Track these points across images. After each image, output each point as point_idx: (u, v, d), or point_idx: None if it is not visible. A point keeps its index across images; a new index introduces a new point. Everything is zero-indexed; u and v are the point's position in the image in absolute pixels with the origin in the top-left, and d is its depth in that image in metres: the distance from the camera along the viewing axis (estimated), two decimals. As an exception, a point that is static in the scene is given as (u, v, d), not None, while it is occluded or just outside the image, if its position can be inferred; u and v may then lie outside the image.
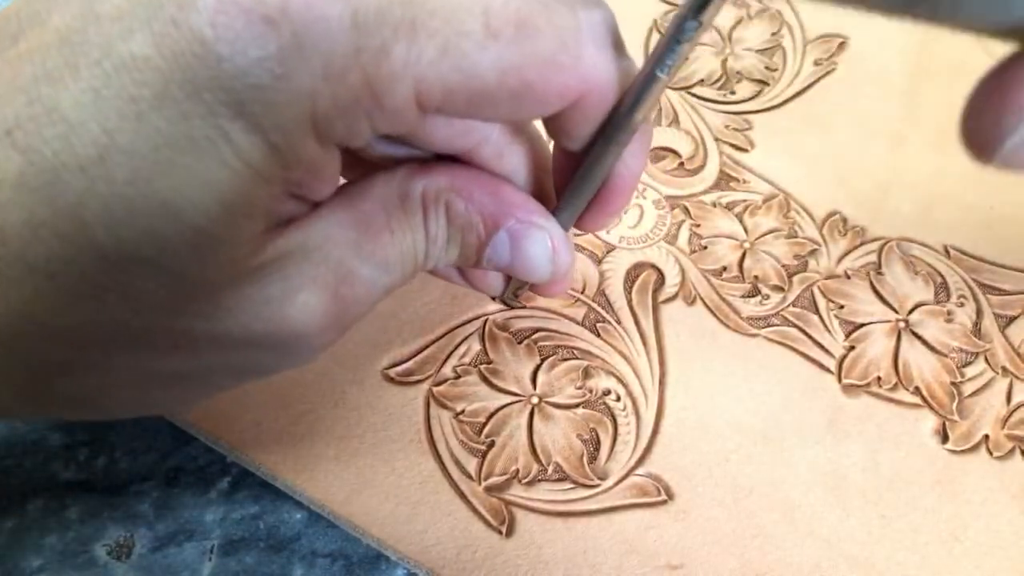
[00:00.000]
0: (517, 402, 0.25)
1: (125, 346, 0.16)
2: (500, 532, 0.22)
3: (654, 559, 0.22)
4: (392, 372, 0.25)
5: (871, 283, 0.27)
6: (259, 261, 0.16)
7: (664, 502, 0.23)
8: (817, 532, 0.22)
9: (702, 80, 0.32)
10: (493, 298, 0.27)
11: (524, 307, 0.26)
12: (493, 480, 0.23)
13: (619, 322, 0.26)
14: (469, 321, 0.26)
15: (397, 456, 0.23)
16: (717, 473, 0.23)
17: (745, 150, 0.30)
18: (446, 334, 0.26)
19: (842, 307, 0.26)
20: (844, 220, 0.28)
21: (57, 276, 0.15)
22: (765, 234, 0.28)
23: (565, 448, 0.24)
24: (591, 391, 0.25)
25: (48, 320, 0.15)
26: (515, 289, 0.25)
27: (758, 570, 0.22)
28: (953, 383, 0.25)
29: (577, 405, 0.25)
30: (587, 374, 0.25)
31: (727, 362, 0.25)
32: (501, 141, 0.20)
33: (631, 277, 0.28)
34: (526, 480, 0.23)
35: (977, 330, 0.26)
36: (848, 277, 0.27)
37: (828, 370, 0.25)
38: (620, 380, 0.25)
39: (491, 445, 0.24)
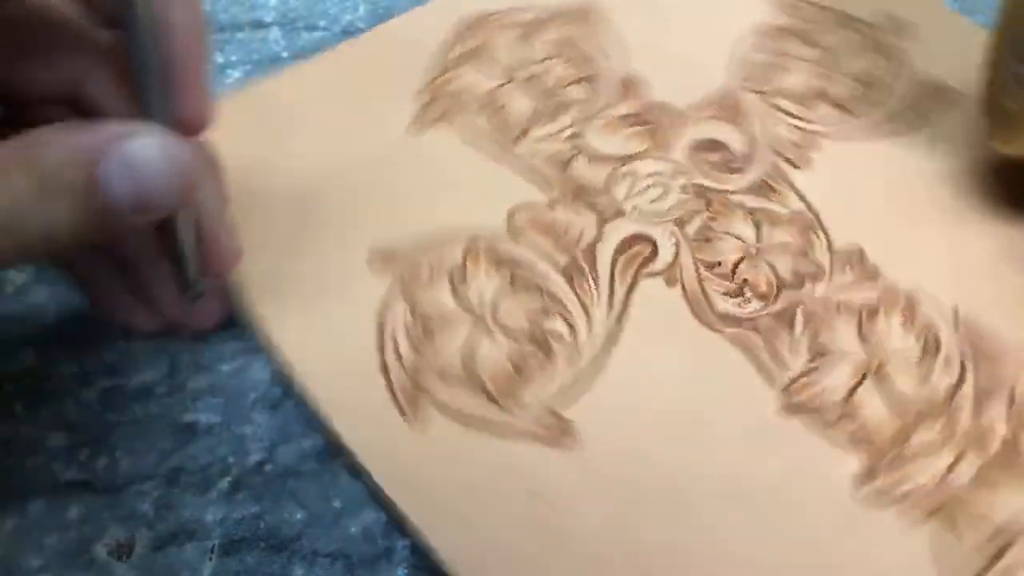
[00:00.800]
0: (470, 319, 0.26)
1: None
2: (409, 420, 0.24)
3: (541, 493, 0.23)
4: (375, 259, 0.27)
5: (859, 323, 0.27)
6: None
7: (570, 449, 0.24)
8: (710, 527, 0.23)
9: (788, 92, 0.31)
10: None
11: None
12: (421, 375, 0.25)
13: (595, 280, 0.27)
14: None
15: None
16: (631, 444, 0.24)
17: (798, 167, 0.28)
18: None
19: (817, 336, 0.26)
20: (861, 256, 0.28)
21: None
22: (775, 245, 0.28)
23: (498, 368, 0.25)
24: (541, 328, 0.26)
25: None
26: (194, 276, 0.23)
27: (638, 540, 0.23)
28: (897, 435, 0.25)
29: (525, 335, 0.26)
30: (545, 313, 0.26)
31: (682, 348, 0.26)
32: (106, 78, 0.21)
33: (626, 244, 0.28)
34: (450, 384, 0.25)
35: (950, 398, 0.26)
36: (838, 311, 0.27)
37: (776, 384, 0.25)
38: (572, 327, 0.26)
39: (431, 343, 0.26)
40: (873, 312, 0.27)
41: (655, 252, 0.28)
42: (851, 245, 0.28)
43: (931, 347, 0.26)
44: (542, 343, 0.26)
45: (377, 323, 0.26)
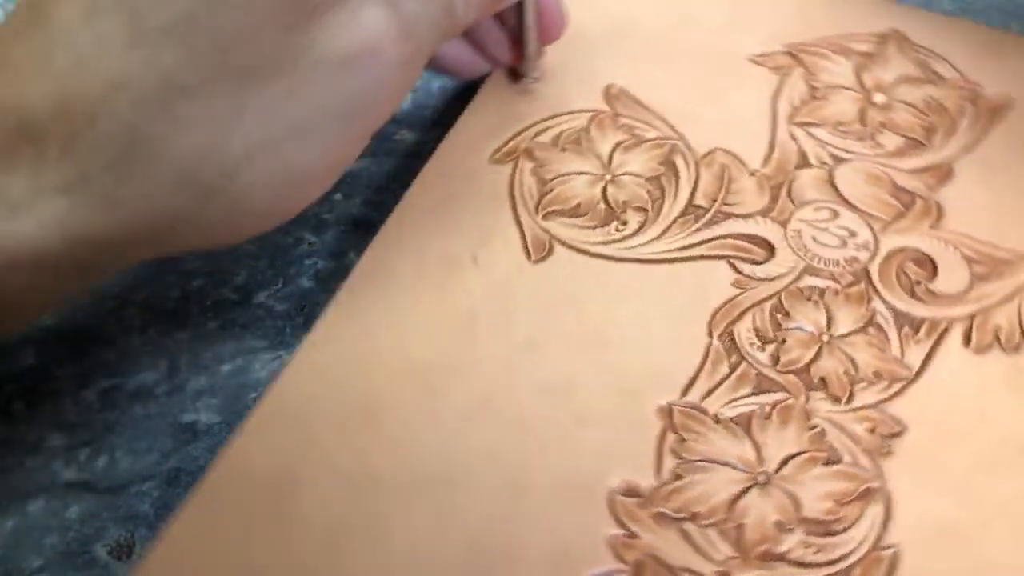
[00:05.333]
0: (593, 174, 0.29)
1: (248, 89, 0.20)
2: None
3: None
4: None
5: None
6: None
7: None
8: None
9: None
10: (514, 77, 0.31)
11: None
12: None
13: (699, 227, 0.28)
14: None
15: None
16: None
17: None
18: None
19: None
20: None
21: (187, 35, 0.18)
22: (848, 352, 0.26)
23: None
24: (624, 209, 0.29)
25: (189, 80, 0.19)
26: (532, 51, 0.29)
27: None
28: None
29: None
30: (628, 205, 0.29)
31: (674, 316, 0.26)
32: None
33: (749, 239, 0.28)
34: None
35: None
36: (799, 421, 0.24)
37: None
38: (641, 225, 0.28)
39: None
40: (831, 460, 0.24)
41: (762, 262, 0.27)
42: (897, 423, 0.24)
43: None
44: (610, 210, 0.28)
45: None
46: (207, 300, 0.27)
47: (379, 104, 0.22)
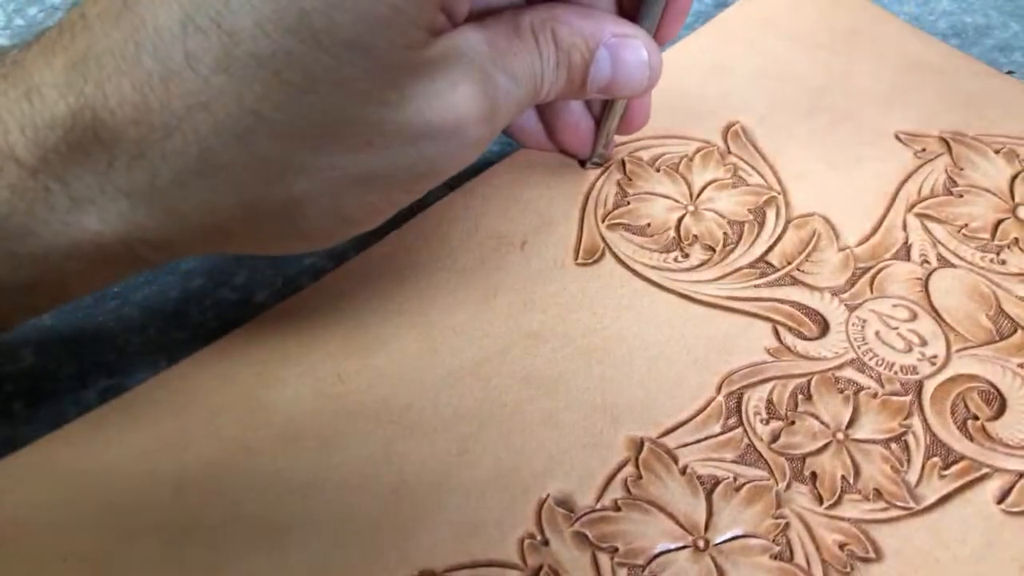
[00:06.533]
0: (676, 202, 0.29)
1: (329, 142, 0.19)
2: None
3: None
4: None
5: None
6: (428, 56, 0.19)
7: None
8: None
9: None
10: (582, 164, 0.30)
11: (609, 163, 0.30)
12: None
13: (765, 281, 0.27)
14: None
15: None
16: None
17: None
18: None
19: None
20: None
21: (281, 71, 0.18)
22: (854, 457, 0.24)
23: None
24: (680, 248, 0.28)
25: (273, 115, 0.18)
26: (604, 143, 0.28)
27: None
28: None
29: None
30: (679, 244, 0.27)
31: (688, 335, 0.26)
32: None
33: (802, 310, 0.26)
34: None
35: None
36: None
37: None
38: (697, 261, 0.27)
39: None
40: (781, 556, 0.22)
41: (810, 338, 0.26)
42: (873, 548, 0.22)
43: None
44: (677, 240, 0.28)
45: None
46: (207, 300, 0.27)
47: (446, 171, 0.22)
